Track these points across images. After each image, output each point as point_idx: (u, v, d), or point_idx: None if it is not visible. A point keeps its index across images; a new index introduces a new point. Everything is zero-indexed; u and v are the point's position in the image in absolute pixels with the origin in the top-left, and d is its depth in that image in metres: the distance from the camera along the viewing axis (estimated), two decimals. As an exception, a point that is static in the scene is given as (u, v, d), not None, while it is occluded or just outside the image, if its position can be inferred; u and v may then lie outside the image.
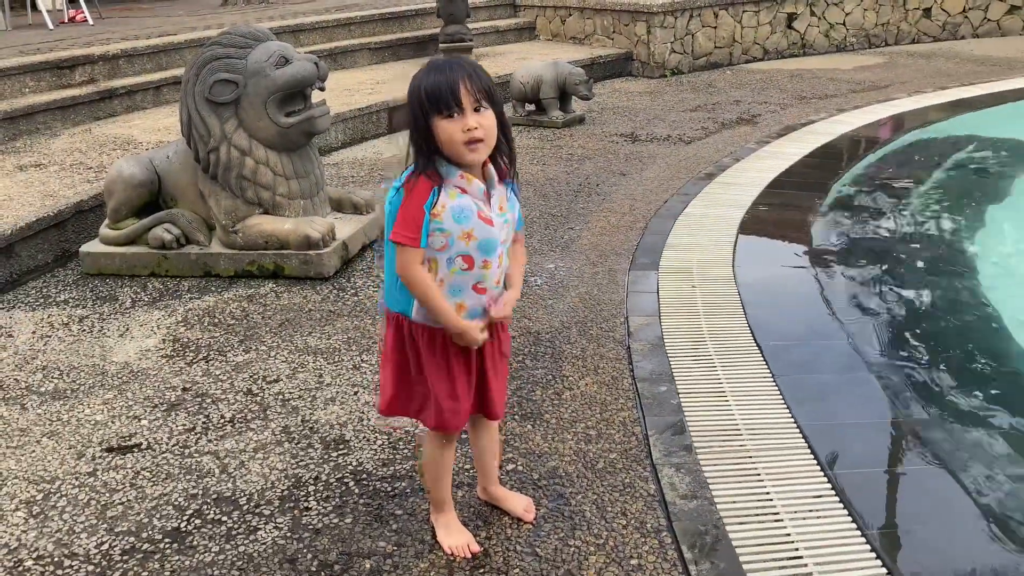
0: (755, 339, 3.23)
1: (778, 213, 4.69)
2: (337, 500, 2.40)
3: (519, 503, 2.32)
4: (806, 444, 2.56)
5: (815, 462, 2.48)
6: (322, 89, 4.15)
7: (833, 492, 2.34)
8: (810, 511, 2.28)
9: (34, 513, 2.40)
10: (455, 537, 2.20)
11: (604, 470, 2.49)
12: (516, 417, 2.78)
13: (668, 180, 5.41)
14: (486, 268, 1.96)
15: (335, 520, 2.32)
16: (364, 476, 2.51)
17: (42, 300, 3.97)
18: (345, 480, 2.50)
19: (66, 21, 11.08)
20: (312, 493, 2.44)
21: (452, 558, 2.15)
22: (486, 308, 2.02)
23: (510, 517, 2.30)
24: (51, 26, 10.44)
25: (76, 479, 2.56)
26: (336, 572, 2.13)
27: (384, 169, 5.96)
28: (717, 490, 2.37)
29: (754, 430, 2.65)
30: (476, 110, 1.87)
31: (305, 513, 2.36)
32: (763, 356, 3.10)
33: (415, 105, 1.88)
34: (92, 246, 4.30)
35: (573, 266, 4.06)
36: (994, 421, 2.82)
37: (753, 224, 4.51)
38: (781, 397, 2.83)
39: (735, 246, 4.20)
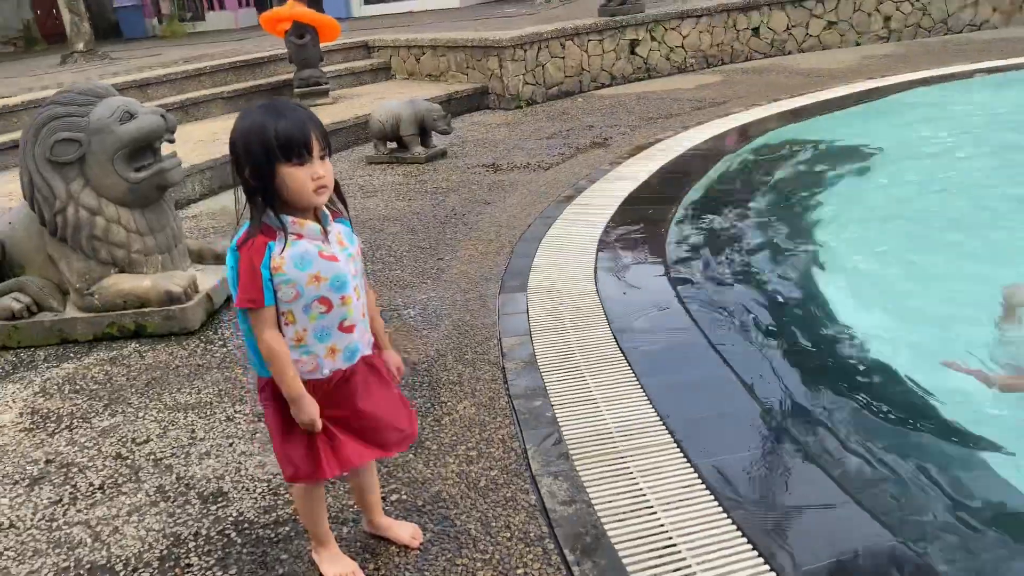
0: (620, 347, 3.39)
1: (634, 227, 4.93)
2: (219, 553, 2.36)
3: (405, 531, 2.35)
4: (672, 440, 2.72)
5: (682, 456, 2.63)
6: (171, 141, 4.08)
7: (700, 482, 2.49)
8: (681, 501, 2.42)
9: None
10: (339, 567, 2.21)
11: (486, 488, 2.56)
12: (397, 448, 2.80)
13: (530, 205, 5.58)
14: (345, 304, 2.00)
15: (219, 573, 2.28)
16: (246, 525, 2.48)
17: None
18: (226, 532, 2.45)
19: None
20: (193, 549, 2.39)
21: (341, 593, 2.16)
22: (368, 345, 2.06)
23: (397, 546, 2.32)
24: None
25: (-69, 570, 2.41)
26: (223, 624, 2.09)
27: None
28: (594, 493, 2.48)
29: (625, 432, 2.78)
30: (321, 157, 1.92)
31: (187, 570, 2.30)
32: (628, 362, 3.26)
33: (257, 150, 1.85)
34: (-68, 324, 4.04)
35: (445, 295, 4.14)
36: (838, 402, 3.07)
37: (611, 240, 4.72)
38: (647, 398, 2.98)
39: (596, 262, 4.39)
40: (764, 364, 3.30)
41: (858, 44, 11.53)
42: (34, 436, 3.13)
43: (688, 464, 2.58)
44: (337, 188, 2.03)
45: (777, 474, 2.55)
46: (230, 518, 2.52)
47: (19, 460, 2.96)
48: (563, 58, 9.82)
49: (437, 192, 6.13)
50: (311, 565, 2.27)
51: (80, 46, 12.82)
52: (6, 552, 2.45)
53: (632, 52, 10.46)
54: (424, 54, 10.49)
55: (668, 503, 2.41)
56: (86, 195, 3.88)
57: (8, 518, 2.63)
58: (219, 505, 2.59)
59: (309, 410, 1.97)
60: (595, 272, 4.26)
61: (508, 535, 2.34)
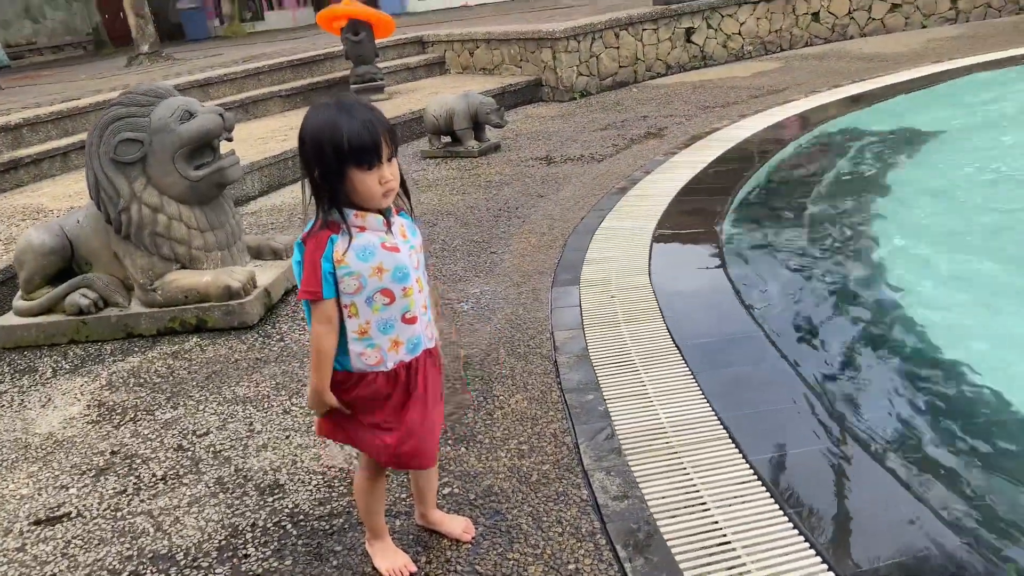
0: (674, 341, 3.34)
1: (689, 219, 4.86)
2: (276, 544, 2.40)
3: (457, 525, 2.35)
4: (727, 435, 2.67)
5: (737, 451, 2.58)
6: (230, 139, 4.16)
7: (756, 478, 2.44)
8: (735, 498, 2.37)
9: (-38, 595, 2.35)
10: (391, 561, 2.23)
11: (538, 482, 2.55)
12: (449, 442, 2.81)
13: (584, 198, 5.55)
14: (407, 296, 2.00)
15: (275, 564, 2.32)
16: (301, 517, 2.52)
17: (-43, 380, 3.86)
18: (282, 523, 2.50)
19: (-37, 95, 10.80)
20: (250, 540, 2.44)
21: (393, 584, 2.18)
22: (431, 339, 2.07)
23: (449, 540, 2.33)
24: (-52, 101, 10.16)
25: (4, 556, 2.50)
26: (279, 614, 2.13)
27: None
28: (647, 488, 2.45)
29: (678, 427, 2.74)
30: (389, 160, 1.92)
31: (244, 560, 2.35)
32: (682, 356, 3.21)
33: (327, 153, 1.84)
34: (6, 319, 4.20)
35: (498, 289, 4.14)
36: (903, 399, 2.97)
37: (666, 232, 4.66)
38: (701, 393, 2.93)
39: (650, 255, 4.34)
40: (823, 359, 3.22)
41: (923, 27, 11.15)
42: (100, 428, 3.23)
43: (743, 460, 2.53)
44: (403, 184, 2.04)
45: (836, 472, 2.49)
46: (286, 510, 2.56)
47: (86, 451, 3.06)
48: (617, 48, 9.72)
49: (490, 185, 6.13)
50: (365, 557, 2.29)
51: (145, 48, 13.19)
52: (74, 540, 2.54)
53: (688, 40, 10.30)
54: (478, 48, 10.51)
55: (722, 500, 2.37)
56: (148, 193, 3.98)
57: (76, 507, 2.72)
58: (275, 497, 2.64)
59: (328, 400, 2.01)
60: (649, 265, 4.21)
61: (560, 530, 2.32)
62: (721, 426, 2.72)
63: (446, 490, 2.56)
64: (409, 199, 2.08)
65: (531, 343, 3.49)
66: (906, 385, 3.08)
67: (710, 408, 2.84)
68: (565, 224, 5.04)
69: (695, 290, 3.88)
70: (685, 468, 2.53)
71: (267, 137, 7.79)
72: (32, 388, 3.67)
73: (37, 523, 2.66)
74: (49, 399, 3.54)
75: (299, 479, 2.72)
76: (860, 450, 2.56)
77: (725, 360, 3.19)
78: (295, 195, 6.57)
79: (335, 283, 1.93)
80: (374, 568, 2.24)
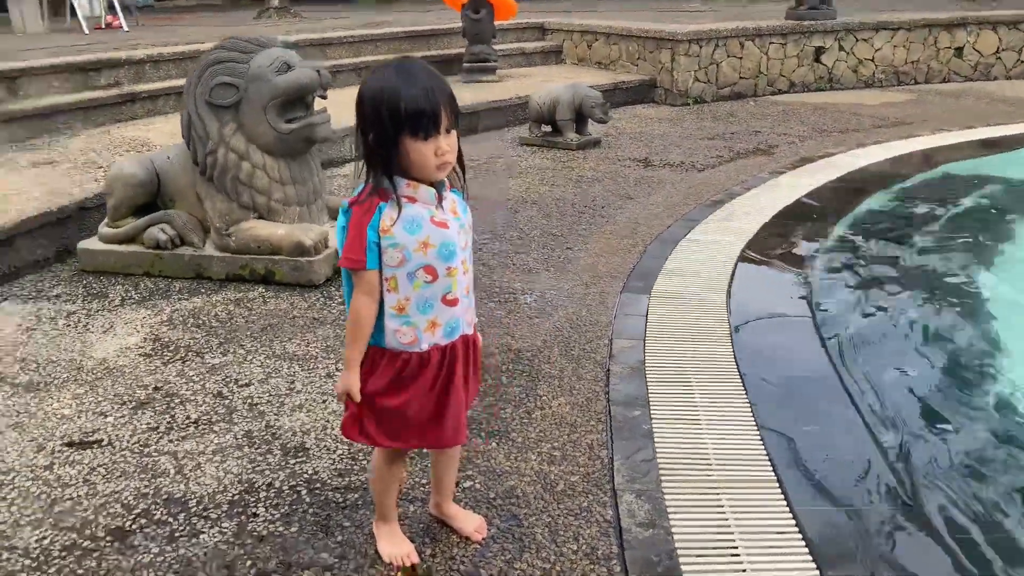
0: (738, 368, 3.14)
1: (781, 243, 4.60)
2: (286, 508, 2.35)
3: (470, 523, 2.25)
4: (775, 478, 2.47)
5: (782, 498, 2.38)
6: (324, 97, 4.15)
7: (797, 530, 2.24)
8: (770, 548, 2.18)
9: (-17, 503, 2.38)
10: (396, 547, 2.14)
11: (563, 492, 2.42)
12: (482, 434, 2.71)
13: (675, 206, 5.34)
14: (451, 276, 1.90)
15: (280, 528, 2.27)
16: (318, 485, 2.46)
17: (35, 294, 3.99)
18: (298, 488, 2.44)
19: (102, 27, 11.32)
20: (262, 499, 2.39)
21: (390, 570, 2.09)
22: (470, 325, 1.98)
23: (458, 536, 2.23)
24: (86, 31, 10.68)
25: (32, 472, 2.54)
26: (272, 581, 2.07)
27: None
28: (676, 519, 2.29)
29: (724, 460, 2.56)
30: (448, 131, 1.82)
31: (252, 519, 2.31)
32: (744, 385, 3.01)
33: (385, 118, 1.76)
34: (90, 243, 4.32)
35: (565, 286, 4.00)
36: (987, 472, 2.68)
37: (754, 253, 4.42)
38: (756, 428, 2.73)
39: (732, 274, 4.11)
40: (900, 414, 2.95)
41: (1079, 76, 10.34)
42: (150, 362, 3.27)
43: (787, 509, 2.33)
44: (460, 160, 1.94)
45: (890, 540, 2.26)
46: (305, 475, 2.51)
47: (132, 383, 3.10)
48: (740, 58, 9.37)
49: (582, 181, 5.98)
50: (369, 537, 2.21)
51: (275, 2, 13.51)
52: (98, 468, 2.55)
53: (816, 60, 9.84)
54: (597, 40, 10.32)
55: (756, 547, 2.18)
56: (236, 139, 4.01)
57: (109, 436, 2.74)
58: (298, 460, 2.59)
59: (351, 383, 1.92)
60: (729, 285, 3.99)
61: (575, 547, 2.19)
62: (771, 467, 2.52)
63: (467, 483, 2.46)
64: (464, 176, 1.97)
65: (587, 347, 3.35)
66: (993, 457, 2.79)
67: (762, 446, 2.63)
68: (649, 230, 4.85)
69: (772, 318, 3.64)
70: (722, 506, 2.35)
71: (373, 103, 7.83)
72: (99, 313, 3.75)
73: (69, 444, 2.69)
74: (111, 326, 3.61)
75: (325, 445, 2.67)
76: (922, 523, 2.32)
77: (790, 398, 2.98)
78: (388, 163, 6.56)
79: (379, 253, 1.84)
80: (376, 551, 2.16)
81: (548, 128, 7.28)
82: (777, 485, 2.44)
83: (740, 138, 7.35)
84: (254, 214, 4.11)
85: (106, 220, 4.33)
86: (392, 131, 1.78)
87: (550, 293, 3.91)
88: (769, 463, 2.54)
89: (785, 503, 2.35)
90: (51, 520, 2.31)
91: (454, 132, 1.84)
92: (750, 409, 2.85)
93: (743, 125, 7.91)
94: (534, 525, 2.28)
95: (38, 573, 2.10)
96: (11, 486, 2.47)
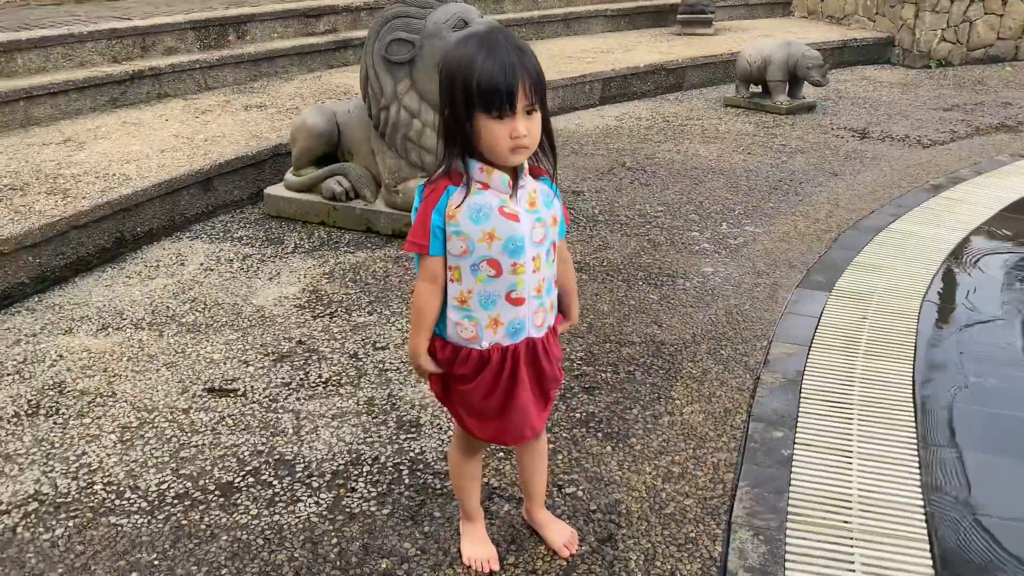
0: (914, 394, 2.70)
1: (1008, 243, 3.93)
2: (384, 487, 2.32)
3: (560, 536, 2.09)
4: (927, 539, 2.09)
5: (930, 562, 2.01)
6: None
7: (940, 609, 1.89)
8: (901, 626, 1.85)
9: (124, 439, 2.56)
10: (477, 550, 2.05)
11: (670, 516, 2.19)
12: (598, 435, 2.53)
13: (885, 187, 4.73)
14: (517, 273, 1.74)
15: (373, 508, 2.24)
16: (421, 466, 2.41)
17: (222, 234, 4.26)
18: (400, 467, 2.41)
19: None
20: (365, 474, 2.38)
21: (468, 573, 2.00)
22: (541, 326, 1.82)
23: (547, 547, 2.09)
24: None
25: (171, 414, 2.69)
26: (351, 564, 2.05)
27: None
28: (794, 571, 2.00)
29: (869, 507, 2.21)
30: (528, 112, 1.64)
31: (349, 495, 2.30)
32: (916, 417, 2.59)
33: (459, 94, 1.63)
34: (275, 189, 4.54)
35: (733, 273, 3.66)
36: None
37: (969, 252, 3.81)
38: (918, 472, 2.33)
39: (935, 276, 3.57)
40: (1116, 476, 2.41)
41: None
42: (301, 315, 3.37)
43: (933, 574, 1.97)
44: (548, 144, 1.75)
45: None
46: (411, 452, 2.47)
47: (279, 334, 3.21)
48: (1001, 16, 8.13)
49: (783, 151, 5.46)
50: (456, 533, 2.13)
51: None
52: (227, 418, 2.66)
53: (1102, 18, 8.33)
54: (831, -8, 9.38)
55: (884, 622, 1.86)
56: (409, 97, 4.00)
57: (245, 385, 2.85)
58: (409, 436, 2.55)
59: (424, 368, 1.83)
60: (928, 289, 3.47)
61: (668, 584, 1.98)
62: (923, 523, 2.14)
63: (570, 489, 2.30)
64: (555, 163, 1.77)
65: (740, 347, 3.03)
66: None
67: (920, 495, 2.24)
68: (848, 214, 4.34)
69: (976, 337, 3.12)
70: (854, 564, 2.02)
71: (575, 57, 7.63)
72: (270, 259, 3.93)
73: (210, 391, 2.83)
74: (278, 274, 3.77)
75: (438, 424, 2.61)
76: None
77: (970, 439, 2.52)
78: (579, 121, 6.39)
79: (443, 239, 1.71)
80: (459, 550, 2.08)
81: (758, 89, 6.73)
82: (927, 547, 2.06)
83: (985, 110, 6.39)
84: (422, 173, 4.11)
85: (291, 169, 4.52)
86: (465, 107, 1.63)
87: (714, 279, 3.59)
88: (923, 517, 2.16)
89: (932, 569, 1.99)
90: (174, 465, 2.43)
91: (536, 114, 1.64)
92: (916, 447, 2.44)
93: (992, 95, 6.88)
94: (630, 549, 2.08)
95: (149, 517, 2.22)
96: (151, 425, 2.63)
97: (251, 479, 2.37)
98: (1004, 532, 2.13)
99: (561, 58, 7.51)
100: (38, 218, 3.65)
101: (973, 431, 2.57)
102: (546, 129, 1.69)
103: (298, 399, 2.77)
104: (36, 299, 3.50)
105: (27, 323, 3.29)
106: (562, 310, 1.92)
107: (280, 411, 2.70)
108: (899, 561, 2.03)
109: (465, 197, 1.68)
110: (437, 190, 1.70)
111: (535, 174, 1.77)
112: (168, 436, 2.57)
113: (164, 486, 2.34)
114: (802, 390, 2.75)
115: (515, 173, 1.71)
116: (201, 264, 3.88)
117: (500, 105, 1.60)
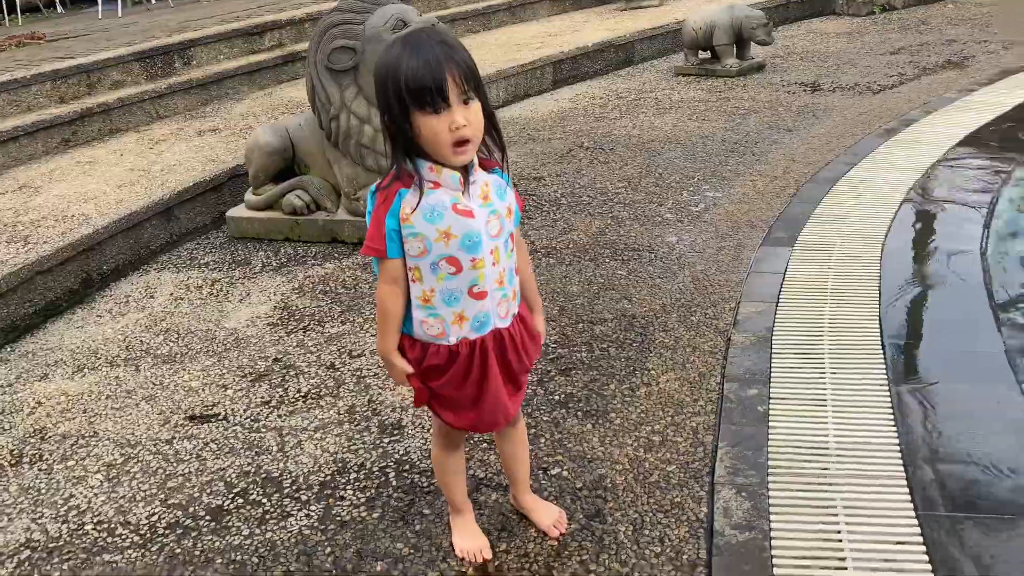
0: (882, 340, 2.76)
1: (961, 180, 3.99)
2: (372, 492, 2.35)
3: (548, 517, 2.13)
4: (904, 477, 2.14)
5: (910, 502, 2.06)
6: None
7: (922, 543, 1.94)
8: (886, 563, 1.90)
9: (110, 477, 2.56)
10: (469, 542, 2.08)
11: (655, 484, 2.24)
12: (578, 414, 2.57)
13: (839, 137, 4.79)
14: (477, 268, 1.76)
15: (363, 514, 2.27)
16: (406, 467, 2.43)
17: (188, 262, 4.25)
18: (387, 470, 2.43)
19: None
20: (352, 482, 2.40)
21: (462, 565, 2.03)
22: (505, 316, 1.84)
23: (537, 530, 2.12)
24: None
25: (154, 446, 2.70)
26: (346, 571, 2.07)
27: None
28: (778, 522, 2.05)
29: (845, 452, 2.26)
30: (464, 103, 1.66)
31: (338, 503, 2.32)
32: (885, 359, 2.64)
33: (391, 95, 1.66)
34: (237, 211, 4.52)
35: (698, 239, 3.71)
36: None
37: (924, 193, 3.87)
38: (892, 414, 2.39)
39: (893, 219, 3.63)
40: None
41: None
42: (275, 332, 3.38)
43: (913, 516, 2.02)
44: (494, 133, 1.78)
45: (1045, 554, 1.90)
46: (396, 455, 2.49)
47: (255, 354, 3.22)
48: (937, -46, 8.21)
49: (736, 113, 5.51)
50: (447, 528, 2.16)
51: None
52: (211, 444, 2.67)
53: (1036, -55, 8.41)
54: (769, -50, 9.41)
55: (869, 562, 1.90)
56: (357, 104, 4.00)
57: (225, 409, 2.86)
58: (392, 438, 2.58)
59: (398, 373, 1.86)
60: (887, 233, 3.53)
61: (658, 550, 2.02)
62: (901, 464, 2.19)
63: (555, 470, 2.34)
64: (504, 152, 1.80)
65: (710, 311, 3.08)
66: None
67: (896, 437, 2.30)
68: (805, 168, 4.39)
69: (935, 276, 3.18)
70: (835, 507, 2.07)
71: (523, 44, 7.63)
72: (239, 280, 3.93)
73: (191, 418, 2.84)
74: (248, 294, 3.77)
75: (420, 424, 2.64)
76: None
77: (941, 377, 2.57)
78: (534, 107, 6.41)
79: (400, 242, 1.73)
80: (451, 543, 2.11)
81: (707, 55, 6.78)
82: (905, 486, 2.11)
83: (930, 50, 6.47)
84: (380, 177, 4.11)
85: (250, 188, 4.51)
86: (399, 107, 1.66)
87: (679, 248, 3.63)
88: (900, 458, 2.21)
89: (912, 509, 2.04)
90: (162, 496, 2.44)
91: (475, 104, 1.67)
92: (888, 391, 2.49)
93: (936, 34, 6.97)
94: (618, 522, 2.12)
95: (143, 550, 2.23)
96: (135, 460, 2.64)
97: (240, 500, 2.39)
98: (977, 459, 2.18)
99: (510, 46, 7.52)
100: (1, 268, 3.63)
101: (942, 365, 2.62)
102: (488, 116, 1.72)
103: (279, 416, 2.79)
104: (8, 349, 3.48)
105: (1, 374, 3.28)
106: (525, 301, 1.95)
107: (263, 430, 2.72)
108: (878, 501, 2.08)
109: (418, 199, 1.69)
110: (390, 193, 1.72)
111: (486, 167, 1.80)
112: (154, 468, 2.58)
113: (155, 518, 2.35)
114: (773, 346, 2.80)
115: (465, 169, 1.73)
116: (171, 294, 3.88)
117: (432, 100, 1.63)
